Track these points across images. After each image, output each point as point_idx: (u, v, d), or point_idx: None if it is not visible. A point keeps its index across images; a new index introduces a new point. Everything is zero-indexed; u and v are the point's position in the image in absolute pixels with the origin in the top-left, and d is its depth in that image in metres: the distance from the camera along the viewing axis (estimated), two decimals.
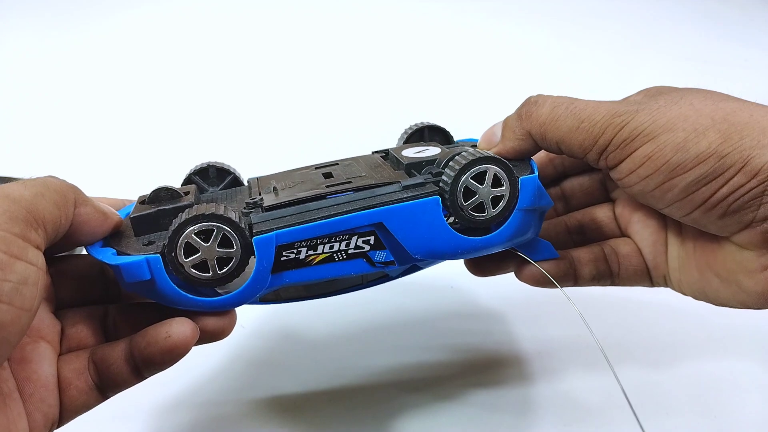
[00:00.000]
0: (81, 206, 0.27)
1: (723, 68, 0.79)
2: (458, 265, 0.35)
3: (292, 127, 0.66)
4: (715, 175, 0.26)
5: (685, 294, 0.31)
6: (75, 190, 0.27)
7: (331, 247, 0.30)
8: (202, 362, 0.43)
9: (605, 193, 0.37)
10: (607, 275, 0.33)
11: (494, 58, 0.78)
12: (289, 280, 0.30)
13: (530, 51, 0.80)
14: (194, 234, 0.27)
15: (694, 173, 0.26)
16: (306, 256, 0.29)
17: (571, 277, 0.33)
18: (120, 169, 0.59)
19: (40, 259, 0.23)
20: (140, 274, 0.27)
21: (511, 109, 0.33)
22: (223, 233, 0.28)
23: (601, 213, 0.36)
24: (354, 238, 0.30)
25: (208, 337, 0.28)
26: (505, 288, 0.49)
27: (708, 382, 0.43)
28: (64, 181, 0.26)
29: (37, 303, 0.23)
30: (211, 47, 0.77)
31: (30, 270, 0.22)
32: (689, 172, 0.26)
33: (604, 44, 0.83)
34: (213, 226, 0.27)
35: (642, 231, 0.33)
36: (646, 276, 0.33)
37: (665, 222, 0.33)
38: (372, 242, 0.30)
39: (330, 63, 0.75)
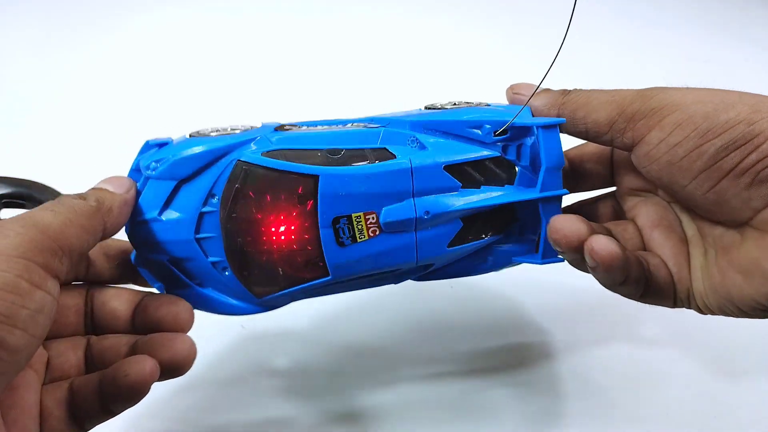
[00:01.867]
0: (108, 219, 0.27)
1: (723, 68, 0.79)
2: None
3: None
4: (745, 141, 0.26)
5: (711, 310, 0.31)
6: (100, 206, 0.27)
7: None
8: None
9: (622, 213, 0.36)
10: (643, 280, 0.31)
11: (495, 58, 0.78)
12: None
13: (530, 50, 0.80)
14: None
15: (724, 138, 0.27)
16: None
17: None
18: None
19: (56, 288, 0.24)
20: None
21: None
22: None
23: (626, 230, 0.35)
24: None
25: (169, 372, 0.29)
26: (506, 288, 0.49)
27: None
28: (85, 200, 0.27)
29: (46, 331, 0.23)
30: (212, 44, 0.77)
31: (47, 299, 0.23)
32: (719, 137, 0.27)
33: (603, 44, 0.83)
34: None
35: (664, 246, 0.32)
36: (671, 292, 0.32)
37: (686, 235, 0.32)
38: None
39: (335, 60, 0.75)
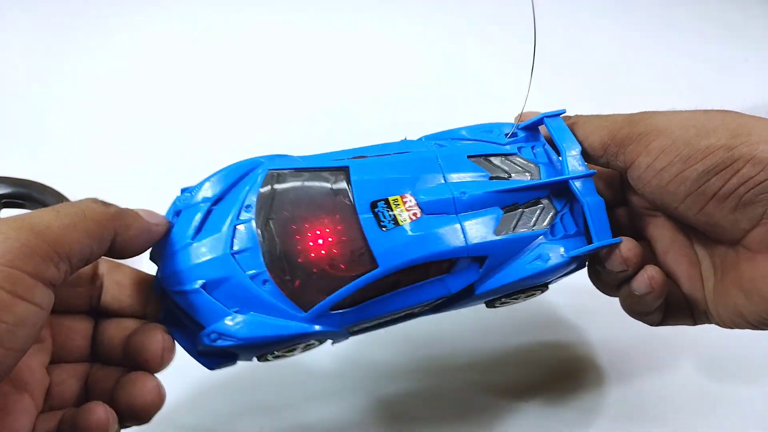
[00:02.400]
0: (122, 233, 0.26)
1: (723, 68, 0.79)
2: None
3: (297, 131, 0.66)
4: (725, 166, 0.27)
5: (726, 325, 0.31)
6: (117, 216, 0.26)
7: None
8: None
9: (635, 232, 0.36)
10: (663, 308, 0.33)
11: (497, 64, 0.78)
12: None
13: (530, 50, 0.80)
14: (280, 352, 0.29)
15: (705, 163, 0.28)
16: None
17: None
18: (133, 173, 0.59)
19: (47, 298, 0.22)
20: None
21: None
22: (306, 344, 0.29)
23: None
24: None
25: (133, 418, 0.27)
26: None
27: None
28: (106, 207, 0.26)
29: (30, 343, 0.22)
30: (217, 54, 0.77)
31: (31, 311, 0.21)
32: (700, 162, 0.28)
33: (603, 44, 0.83)
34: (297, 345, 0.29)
35: (677, 268, 0.33)
36: (689, 313, 0.33)
37: (697, 257, 0.33)
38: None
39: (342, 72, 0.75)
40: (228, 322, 0.27)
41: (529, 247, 0.31)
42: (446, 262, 0.30)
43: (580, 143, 0.32)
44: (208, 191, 0.30)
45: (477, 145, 0.34)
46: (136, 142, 0.62)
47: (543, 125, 0.34)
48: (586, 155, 0.33)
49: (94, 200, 0.25)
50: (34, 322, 0.21)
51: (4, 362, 0.20)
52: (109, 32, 0.77)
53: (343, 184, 0.29)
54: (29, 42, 0.75)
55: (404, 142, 0.34)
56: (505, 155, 0.33)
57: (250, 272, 0.28)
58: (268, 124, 0.66)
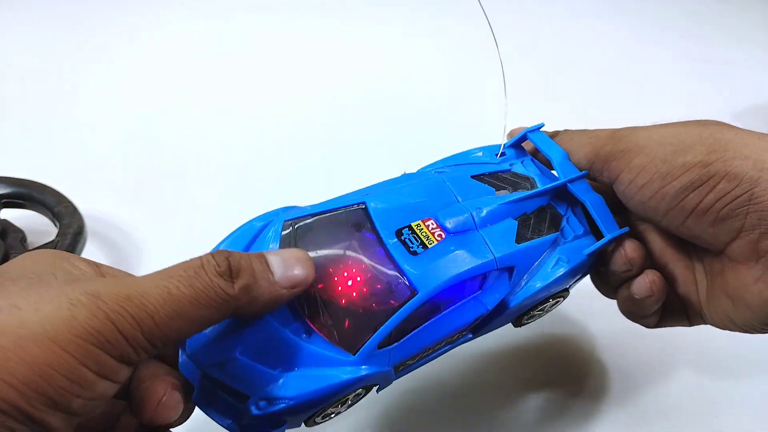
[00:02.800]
0: (242, 309, 0.23)
1: (723, 68, 0.79)
2: None
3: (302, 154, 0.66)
4: (701, 182, 0.28)
5: (720, 327, 0.32)
6: (241, 293, 0.22)
7: None
8: None
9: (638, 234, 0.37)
10: (660, 311, 0.34)
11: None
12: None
13: (530, 50, 0.80)
14: (331, 407, 0.27)
15: (682, 181, 0.28)
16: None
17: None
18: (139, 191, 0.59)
19: (126, 375, 0.21)
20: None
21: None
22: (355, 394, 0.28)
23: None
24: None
25: None
26: None
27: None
28: (231, 283, 0.22)
29: (95, 412, 0.21)
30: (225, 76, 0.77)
31: (108, 386, 0.20)
32: (677, 179, 0.29)
33: (603, 44, 0.83)
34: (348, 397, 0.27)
35: (673, 271, 0.34)
36: (684, 315, 0.34)
37: (692, 261, 0.33)
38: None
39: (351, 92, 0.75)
40: (275, 384, 0.25)
41: (547, 253, 0.32)
42: (477, 280, 0.30)
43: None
44: (229, 248, 0.29)
45: (474, 167, 0.35)
46: (136, 142, 0.62)
47: (527, 140, 0.36)
48: None
49: (222, 272, 0.22)
50: (108, 395, 0.21)
51: (71, 427, 0.20)
52: (110, 33, 0.78)
53: (363, 219, 0.29)
54: (30, 43, 0.75)
55: (405, 175, 0.34)
56: (502, 172, 0.35)
57: (289, 326, 0.26)
58: (264, 128, 0.66)
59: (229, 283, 0.22)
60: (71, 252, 0.43)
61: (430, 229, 0.29)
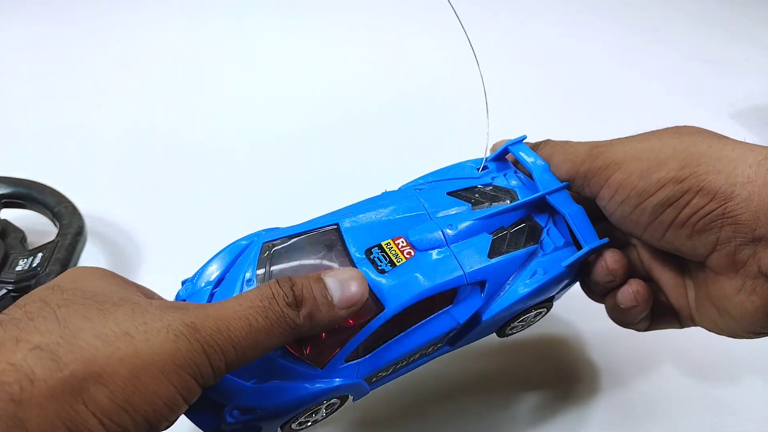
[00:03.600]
0: (304, 331, 0.25)
1: (723, 68, 0.79)
2: None
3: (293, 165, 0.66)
4: (676, 198, 0.28)
5: (711, 330, 0.32)
6: (305, 320, 0.24)
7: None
8: None
9: (625, 239, 0.37)
10: (649, 316, 0.34)
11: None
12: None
13: (530, 51, 0.80)
14: (305, 416, 0.29)
15: (657, 197, 0.29)
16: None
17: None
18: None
19: (198, 395, 0.22)
20: None
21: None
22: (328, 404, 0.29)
23: (629, 257, 0.36)
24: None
25: None
26: None
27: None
28: (297, 311, 0.24)
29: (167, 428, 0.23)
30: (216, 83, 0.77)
31: (184, 408, 0.22)
32: (653, 196, 0.29)
33: (603, 45, 0.83)
34: (320, 406, 0.29)
35: (663, 276, 0.34)
36: (675, 318, 0.34)
37: (682, 267, 0.33)
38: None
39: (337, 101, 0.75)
40: (248, 395, 0.27)
41: (524, 265, 0.32)
42: (449, 294, 0.30)
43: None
44: (208, 276, 0.31)
45: (453, 183, 0.35)
46: (137, 142, 0.62)
47: (510, 153, 0.36)
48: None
49: (290, 302, 0.24)
50: (180, 414, 0.22)
51: None
52: (111, 33, 0.78)
53: (335, 239, 0.30)
54: (30, 43, 0.75)
55: (385, 194, 0.35)
56: (482, 186, 0.35)
57: None
58: (265, 129, 0.66)
59: (296, 312, 0.24)
60: (71, 252, 0.43)
61: (399, 247, 0.30)
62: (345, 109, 0.68)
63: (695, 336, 0.35)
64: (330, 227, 0.31)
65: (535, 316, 0.35)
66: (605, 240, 0.32)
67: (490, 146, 0.37)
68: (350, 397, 0.31)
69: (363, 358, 0.28)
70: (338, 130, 0.65)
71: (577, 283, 0.35)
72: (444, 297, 0.30)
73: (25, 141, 0.61)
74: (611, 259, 0.32)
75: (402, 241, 0.30)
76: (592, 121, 0.65)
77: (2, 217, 0.46)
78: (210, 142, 0.63)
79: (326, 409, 0.30)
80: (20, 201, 0.47)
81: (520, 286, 0.31)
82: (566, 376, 0.43)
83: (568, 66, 0.78)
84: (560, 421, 0.40)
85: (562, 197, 0.33)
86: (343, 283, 0.26)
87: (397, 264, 0.29)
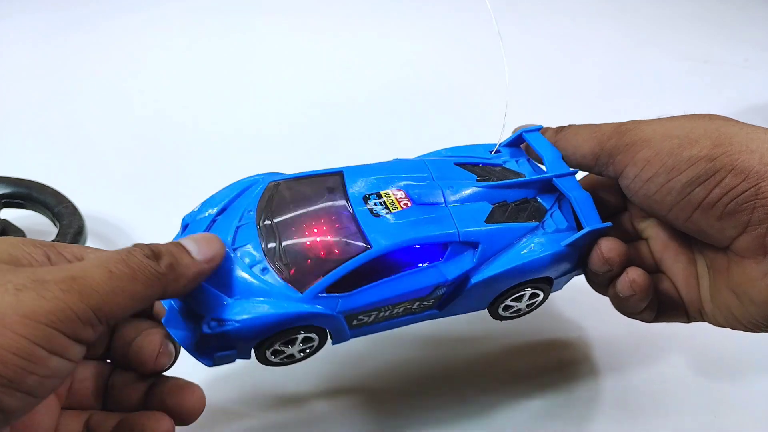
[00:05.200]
0: (171, 287, 0.26)
1: (723, 68, 0.79)
2: None
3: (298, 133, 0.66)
4: (707, 176, 0.28)
5: (721, 325, 0.32)
6: (167, 272, 0.25)
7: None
8: None
9: (637, 235, 0.37)
10: (656, 306, 0.34)
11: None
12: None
13: (530, 50, 0.80)
14: (280, 344, 0.29)
15: (688, 174, 0.28)
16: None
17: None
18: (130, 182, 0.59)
19: (81, 353, 0.23)
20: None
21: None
22: (305, 336, 0.29)
23: (641, 250, 0.36)
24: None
25: (176, 421, 0.28)
26: None
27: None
28: (158, 262, 0.25)
29: (53, 391, 0.23)
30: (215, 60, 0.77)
31: (63, 365, 0.22)
32: (683, 173, 0.28)
33: (603, 44, 0.83)
34: (296, 335, 0.29)
35: (674, 266, 0.34)
36: (683, 311, 0.33)
37: (694, 256, 0.33)
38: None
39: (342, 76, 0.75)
40: (227, 308, 0.28)
41: (522, 238, 0.32)
42: (439, 250, 0.30)
43: (572, 153, 0.33)
44: (212, 205, 0.32)
45: (463, 158, 0.35)
46: (137, 142, 0.62)
47: (525, 141, 0.36)
48: (579, 165, 0.34)
49: (148, 254, 0.25)
50: (66, 372, 0.22)
51: (25, 408, 0.21)
52: (110, 34, 0.78)
53: (338, 183, 0.32)
54: (30, 43, 0.75)
55: (395, 159, 0.35)
56: (492, 165, 0.35)
57: (249, 263, 0.29)
58: (264, 127, 0.66)
59: (157, 262, 0.25)
60: None
61: (397, 197, 0.31)
62: (352, 103, 0.68)
63: (700, 333, 0.35)
64: (335, 173, 0.32)
65: (531, 299, 0.34)
66: (608, 224, 0.32)
67: (504, 129, 0.37)
68: (329, 339, 0.31)
69: (345, 293, 0.29)
70: (346, 126, 0.65)
71: (582, 277, 0.35)
72: (434, 252, 0.30)
73: (25, 141, 0.61)
74: (606, 248, 0.32)
75: (401, 194, 0.31)
76: (592, 121, 0.65)
77: (2, 217, 0.46)
78: (211, 142, 0.63)
79: (303, 344, 0.30)
80: (20, 201, 0.47)
81: (514, 257, 0.31)
82: (567, 370, 0.43)
83: (567, 66, 0.78)
84: (560, 414, 0.40)
85: (570, 182, 0.33)
86: (198, 241, 0.27)
87: (392, 211, 0.30)
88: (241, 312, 0.27)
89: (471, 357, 0.44)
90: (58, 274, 0.22)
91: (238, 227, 0.30)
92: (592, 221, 0.32)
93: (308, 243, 0.29)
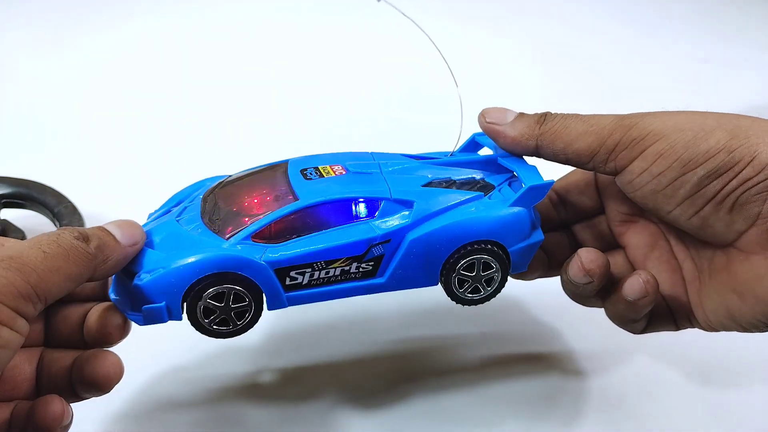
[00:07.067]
0: (100, 268, 0.27)
1: (723, 68, 0.79)
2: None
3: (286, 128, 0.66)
4: (726, 169, 0.27)
5: (714, 328, 0.31)
6: (96, 253, 0.26)
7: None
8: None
9: (614, 240, 0.36)
10: (646, 317, 0.33)
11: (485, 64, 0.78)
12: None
13: (527, 51, 0.80)
14: (209, 299, 0.29)
15: (706, 167, 0.27)
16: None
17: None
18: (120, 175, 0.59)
19: (26, 327, 0.24)
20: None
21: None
22: (235, 292, 0.29)
23: (615, 261, 0.35)
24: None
25: (93, 389, 0.29)
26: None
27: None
28: (87, 244, 0.26)
29: (8, 363, 0.23)
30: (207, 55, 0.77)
31: (13, 336, 0.23)
32: (701, 166, 0.27)
33: (603, 44, 0.83)
34: (224, 289, 0.29)
35: (659, 275, 0.32)
36: (671, 319, 0.33)
37: (678, 262, 0.33)
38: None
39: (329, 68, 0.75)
40: (158, 261, 0.29)
41: (463, 203, 0.31)
42: (371, 209, 0.31)
43: (563, 149, 0.31)
44: (172, 200, 0.35)
45: (415, 155, 0.36)
46: (137, 142, 0.62)
47: (481, 146, 0.36)
48: (568, 161, 0.32)
49: (77, 236, 0.26)
50: (15, 345, 0.23)
51: None
52: (109, 33, 0.78)
53: (282, 166, 0.33)
54: (30, 43, 0.75)
55: (341, 152, 0.36)
56: (443, 161, 0.35)
57: (187, 226, 0.31)
58: (266, 130, 0.66)
59: (86, 244, 0.26)
60: None
61: (333, 169, 0.32)
62: (335, 105, 0.68)
63: (689, 341, 0.35)
64: (281, 163, 0.34)
65: (485, 270, 0.32)
66: (551, 180, 0.32)
67: (460, 140, 0.36)
68: (264, 303, 0.30)
69: (272, 243, 0.29)
70: (341, 125, 0.65)
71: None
72: (366, 210, 0.31)
73: (25, 141, 0.61)
74: (587, 259, 0.30)
75: (338, 167, 0.32)
76: None
77: (2, 217, 0.46)
78: (212, 141, 0.63)
79: (234, 303, 0.29)
80: (20, 201, 0.47)
81: (455, 214, 0.31)
82: (551, 373, 0.43)
83: (567, 65, 0.78)
84: (548, 416, 0.40)
85: (517, 161, 0.33)
86: (121, 226, 0.29)
87: (325, 176, 0.31)
88: (169, 261, 0.28)
89: (451, 362, 0.44)
90: None
91: (186, 207, 0.33)
92: (533, 178, 0.32)
93: (241, 202, 0.31)
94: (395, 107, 0.69)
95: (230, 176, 0.35)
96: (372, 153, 0.35)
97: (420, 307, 0.47)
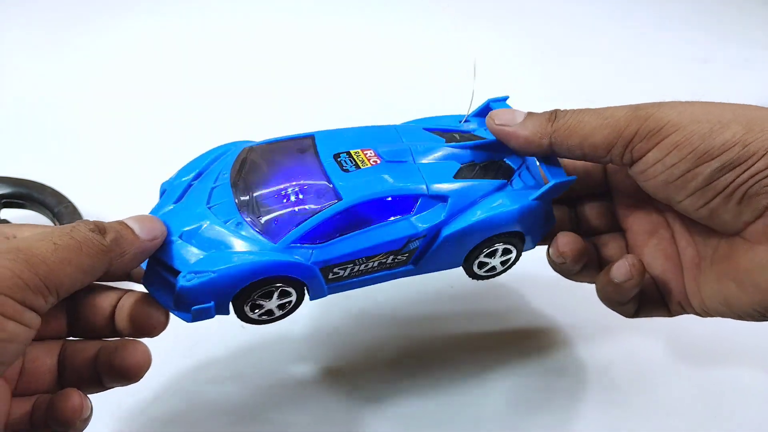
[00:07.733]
0: (117, 261, 0.26)
1: (723, 68, 0.79)
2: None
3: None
4: (739, 162, 0.27)
5: (709, 314, 0.32)
6: (113, 246, 0.26)
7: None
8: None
9: (616, 222, 0.37)
10: (636, 300, 0.33)
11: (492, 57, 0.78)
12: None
13: (527, 51, 0.80)
14: (258, 296, 0.29)
15: (720, 160, 0.27)
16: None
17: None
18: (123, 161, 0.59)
19: (36, 320, 0.23)
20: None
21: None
22: (281, 290, 0.30)
23: (613, 243, 0.36)
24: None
25: (121, 379, 0.29)
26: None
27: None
28: (103, 237, 0.26)
29: (18, 356, 0.23)
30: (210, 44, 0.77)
31: (20, 330, 0.22)
32: (715, 159, 0.27)
33: (603, 44, 0.83)
34: (273, 288, 0.29)
35: (655, 261, 0.33)
36: (664, 305, 0.33)
37: (677, 248, 0.33)
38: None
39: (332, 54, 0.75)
40: (203, 261, 0.28)
41: (491, 194, 0.33)
42: (409, 204, 0.32)
43: (579, 144, 0.31)
44: (188, 171, 0.34)
45: (433, 125, 0.36)
46: (137, 142, 0.62)
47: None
48: (585, 156, 0.32)
49: (92, 228, 0.26)
50: (24, 339, 0.23)
51: None
52: (109, 33, 0.78)
53: (309, 145, 0.33)
54: (30, 43, 0.75)
55: (365, 126, 0.36)
56: (461, 132, 0.36)
57: (224, 218, 0.30)
58: (259, 119, 0.66)
59: (102, 236, 0.26)
60: None
61: (366, 155, 0.32)
62: (338, 83, 0.68)
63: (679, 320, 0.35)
64: (306, 137, 0.34)
65: (504, 254, 0.35)
66: (573, 177, 0.33)
67: (473, 104, 0.37)
68: (306, 294, 0.31)
69: (318, 245, 0.30)
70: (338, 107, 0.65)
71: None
72: (405, 208, 0.32)
73: (25, 141, 0.61)
74: (562, 242, 0.33)
75: (370, 152, 0.32)
76: None
77: (2, 217, 0.46)
78: (213, 141, 0.63)
79: (281, 298, 0.30)
80: (20, 201, 0.47)
81: (484, 210, 0.32)
82: (547, 353, 0.44)
83: (566, 65, 0.78)
84: (546, 401, 0.41)
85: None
86: (141, 221, 0.28)
87: (362, 167, 0.31)
88: (218, 263, 0.28)
89: (449, 340, 0.44)
90: (2, 246, 0.23)
91: (213, 188, 0.32)
92: (557, 175, 0.33)
93: (280, 197, 0.30)
94: (400, 99, 0.69)
95: (252, 146, 0.34)
96: (396, 127, 0.35)
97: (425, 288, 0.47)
